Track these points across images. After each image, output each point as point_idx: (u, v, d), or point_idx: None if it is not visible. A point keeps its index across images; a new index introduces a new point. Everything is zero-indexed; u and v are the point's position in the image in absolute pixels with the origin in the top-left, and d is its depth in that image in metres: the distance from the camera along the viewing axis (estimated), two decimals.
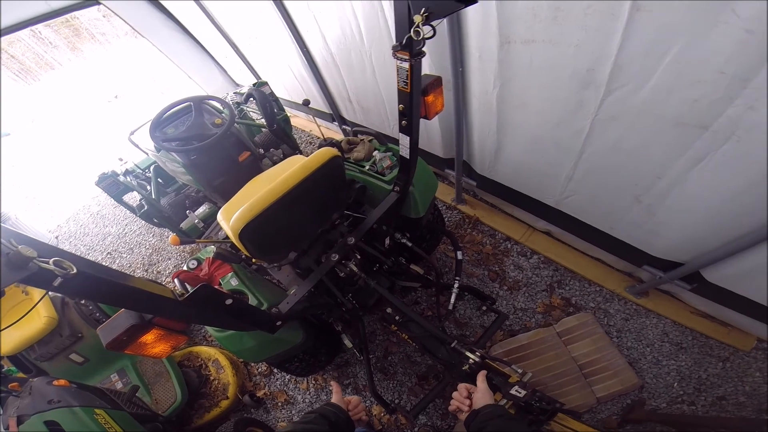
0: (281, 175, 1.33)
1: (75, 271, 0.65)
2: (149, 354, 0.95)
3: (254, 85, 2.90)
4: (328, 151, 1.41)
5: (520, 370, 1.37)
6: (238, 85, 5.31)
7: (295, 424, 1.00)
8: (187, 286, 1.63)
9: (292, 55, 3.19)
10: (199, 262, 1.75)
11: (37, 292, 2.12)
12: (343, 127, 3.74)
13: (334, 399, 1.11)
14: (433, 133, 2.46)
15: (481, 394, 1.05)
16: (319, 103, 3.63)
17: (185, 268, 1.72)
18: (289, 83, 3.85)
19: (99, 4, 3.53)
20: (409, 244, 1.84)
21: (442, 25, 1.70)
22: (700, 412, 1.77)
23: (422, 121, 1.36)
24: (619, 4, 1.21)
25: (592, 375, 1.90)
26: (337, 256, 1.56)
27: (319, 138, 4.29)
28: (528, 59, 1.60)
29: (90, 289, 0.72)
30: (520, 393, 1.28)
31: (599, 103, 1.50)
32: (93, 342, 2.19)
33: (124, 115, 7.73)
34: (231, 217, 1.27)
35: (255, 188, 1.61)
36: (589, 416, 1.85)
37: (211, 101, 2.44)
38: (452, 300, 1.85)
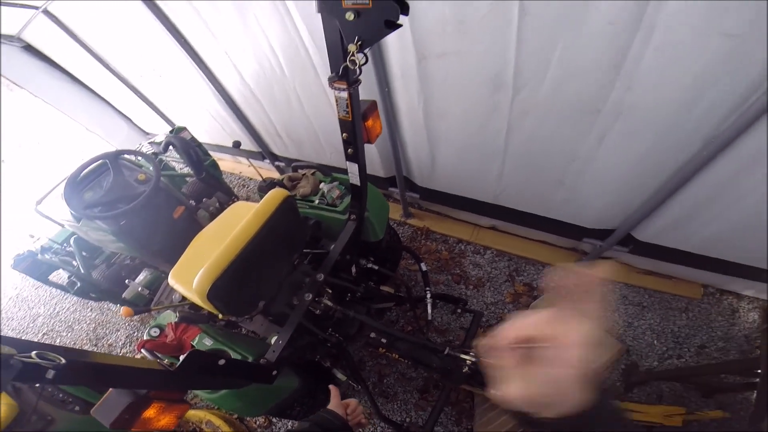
0: (234, 227, 1.27)
1: (63, 361, 0.64)
2: (157, 428, 0.95)
3: (171, 131, 2.70)
4: (280, 194, 1.37)
5: None
6: (147, 134, 4.87)
7: None
8: (158, 355, 1.55)
9: (206, 94, 3.03)
10: (161, 328, 1.62)
11: None
12: (276, 163, 3.64)
13: (332, 404, 1.04)
14: (371, 155, 2.52)
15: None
16: (245, 141, 3.49)
17: (146, 336, 1.60)
18: (208, 125, 3.65)
19: None
20: (376, 268, 1.85)
21: None
22: (691, 363, 1.86)
23: None
24: (509, 8, 1.36)
25: None
26: (310, 295, 1.51)
27: (251, 179, 4.12)
28: (444, 72, 1.73)
29: (84, 375, 0.73)
30: None
31: (510, 103, 1.68)
32: (66, 423, 2.03)
33: (15, 182, 6.52)
34: (188, 279, 1.20)
35: (206, 244, 1.50)
36: None
37: (127, 155, 2.21)
38: (429, 310, 1.89)
